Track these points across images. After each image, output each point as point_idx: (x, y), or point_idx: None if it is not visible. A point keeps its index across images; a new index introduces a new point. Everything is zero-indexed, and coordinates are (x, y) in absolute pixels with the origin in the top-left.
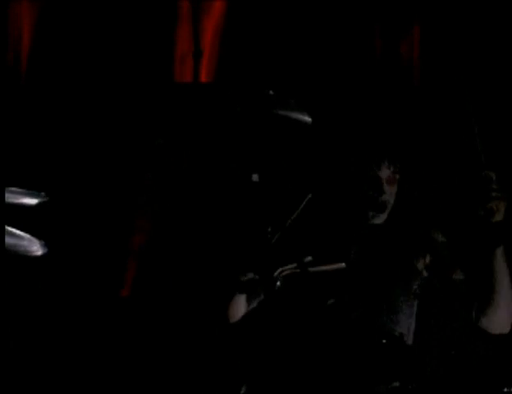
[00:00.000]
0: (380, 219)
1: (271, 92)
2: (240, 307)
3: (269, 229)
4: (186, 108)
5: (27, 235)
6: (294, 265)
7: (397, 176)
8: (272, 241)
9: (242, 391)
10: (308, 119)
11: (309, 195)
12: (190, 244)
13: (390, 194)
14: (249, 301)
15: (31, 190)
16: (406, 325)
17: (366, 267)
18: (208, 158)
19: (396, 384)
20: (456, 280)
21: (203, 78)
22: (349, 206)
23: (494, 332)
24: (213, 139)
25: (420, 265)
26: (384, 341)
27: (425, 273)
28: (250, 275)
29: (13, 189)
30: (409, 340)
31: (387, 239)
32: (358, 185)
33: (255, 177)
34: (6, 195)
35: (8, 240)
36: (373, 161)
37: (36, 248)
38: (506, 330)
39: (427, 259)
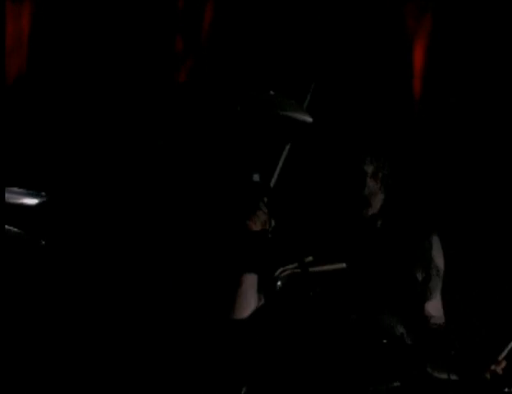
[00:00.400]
0: (364, 216)
1: (271, 92)
2: (250, 302)
3: (269, 231)
4: (186, 107)
5: (21, 190)
6: (295, 265)
7: (385, 173)
8: (271, 241)
9: (243, 392)
10: (308, 119)
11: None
12: (190, 244)
13: (373, 189)
14: (259, 297)
15: (32, 190)
16: (407, 326)
17: (366, 268)
18: (209, 159)
19: (397, 384)
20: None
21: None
22: (336, 201)
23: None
24: (213, 140)
25: (419, 275)
26: (385, 341)
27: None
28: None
29: (14, 189)
30: (409, 340)
31: (386, 241)
32: (343, 178)
33: (256, 177)
34: (7, 195)
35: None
36: (358, 154)
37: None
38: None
39: (423, 274)
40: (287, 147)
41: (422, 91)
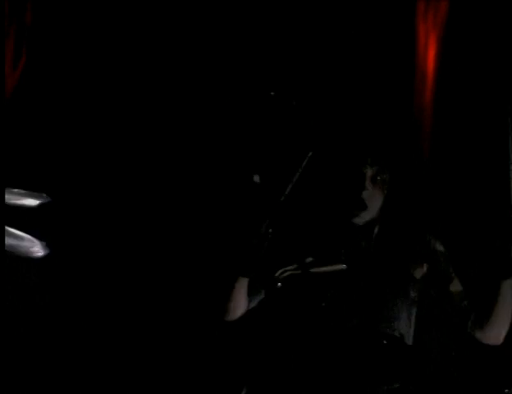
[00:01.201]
0: (361, 219)
1: (272, 93)
2: (239, 304)
3: (269, 230)
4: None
5: (28, 236)
6: (295, 266)
7: (384, 177)
8: (271, 242)
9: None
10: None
11: (310, 153)
12: (190, 244)
13: (372, 193)
14: (249, 300)
15: (33, 192)
16: (405, 329)
17: (363, 271)
18: (210, 160)
19: (397, 385)
20: (453, 291)
21: None
22: (336, 203)
23: (487, 343)
24: (215, 142)
25: (417, 273)
26: (385, 342)
27: (422, 282)
28: (252, 275)
29: (15, 190)
30: (409, 341)
31: (384, 244)
32: (343, 180)
33: (256, 178)
34: (8, 196)
35: (9, 241)
36: (359, 157)
37: (37, 249)
38: (499, 342)
39: (425, 268)
40: (309, 154)
41: (427, 95)
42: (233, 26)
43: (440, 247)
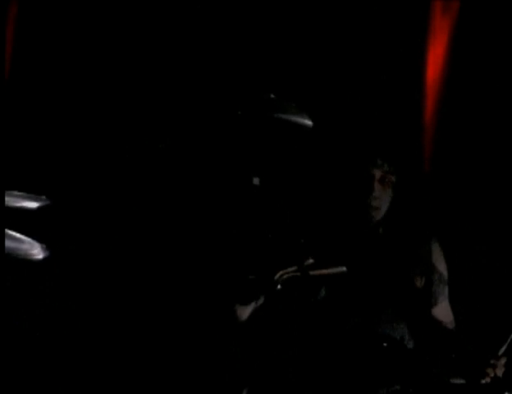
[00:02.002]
0: (368, 221)
1: (272, 95)
2: (243, 310)
3: (269, 234)
4: (186, 110)
5: (28, 239)
6: (295, 268)
7: (391, 178)
8: (271, 244)
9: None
10: (308, 122)
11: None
12: (190, 247)
13: (380, 194)
14: (250, 305)
15: (32, 194)
16: (405, 331)
17: (364, 273)
18: (209, 163)
19: (397, 387)
20: (435, 315)
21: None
22: (343, 206)
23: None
24: (214, 143)
25: (419, 282)
26: (385, 344)
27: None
28: (251, 277)
29: (14, 192)
30: (409, 344)
31: (387, 247)
32: (350, 182)
33: (256, 181)
34: (7, 199)
35: (9, 243)
36: (366, 158)
37: (37, 251)
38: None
39: (423, 281)
40: None
41: (435, 97)
42: (233, 26)
43: (440, 265)
